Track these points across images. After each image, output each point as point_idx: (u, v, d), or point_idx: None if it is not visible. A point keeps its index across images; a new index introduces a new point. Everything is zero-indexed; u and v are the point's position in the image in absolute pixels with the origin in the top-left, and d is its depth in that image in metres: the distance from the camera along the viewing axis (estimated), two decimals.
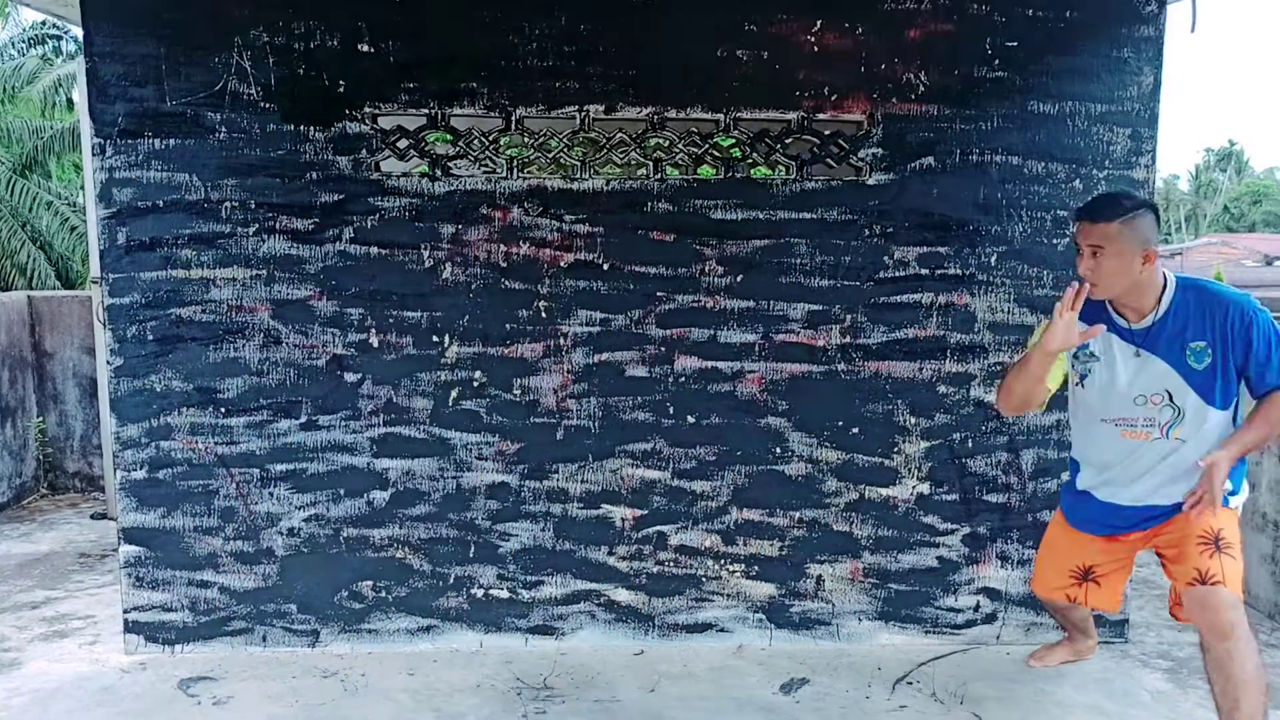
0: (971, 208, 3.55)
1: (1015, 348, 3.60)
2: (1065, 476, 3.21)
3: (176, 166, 3.41)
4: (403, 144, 3.50)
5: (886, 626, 3.70)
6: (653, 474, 3.62)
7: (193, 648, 3.59)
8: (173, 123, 3.39)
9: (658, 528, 3.63)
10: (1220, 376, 2.67)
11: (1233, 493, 2.75)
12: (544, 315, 3.54)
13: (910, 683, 3.40)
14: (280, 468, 3.54)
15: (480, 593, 3.63)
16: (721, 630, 3.69)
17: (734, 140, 3.57)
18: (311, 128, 3.43)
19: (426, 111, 3.46)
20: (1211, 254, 30.17)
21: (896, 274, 3.57)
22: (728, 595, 3.68)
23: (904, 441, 3.63)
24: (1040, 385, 2.79)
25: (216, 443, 3.52)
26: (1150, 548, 2.90)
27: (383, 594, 3.61)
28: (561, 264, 3.53)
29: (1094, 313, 2.73)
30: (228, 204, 3.44)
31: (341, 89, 3.43)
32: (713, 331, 3.57)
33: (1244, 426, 2.69)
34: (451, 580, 3.63)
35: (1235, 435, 2.68)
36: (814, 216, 3.55)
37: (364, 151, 3.46)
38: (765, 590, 3.68)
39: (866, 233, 3.56)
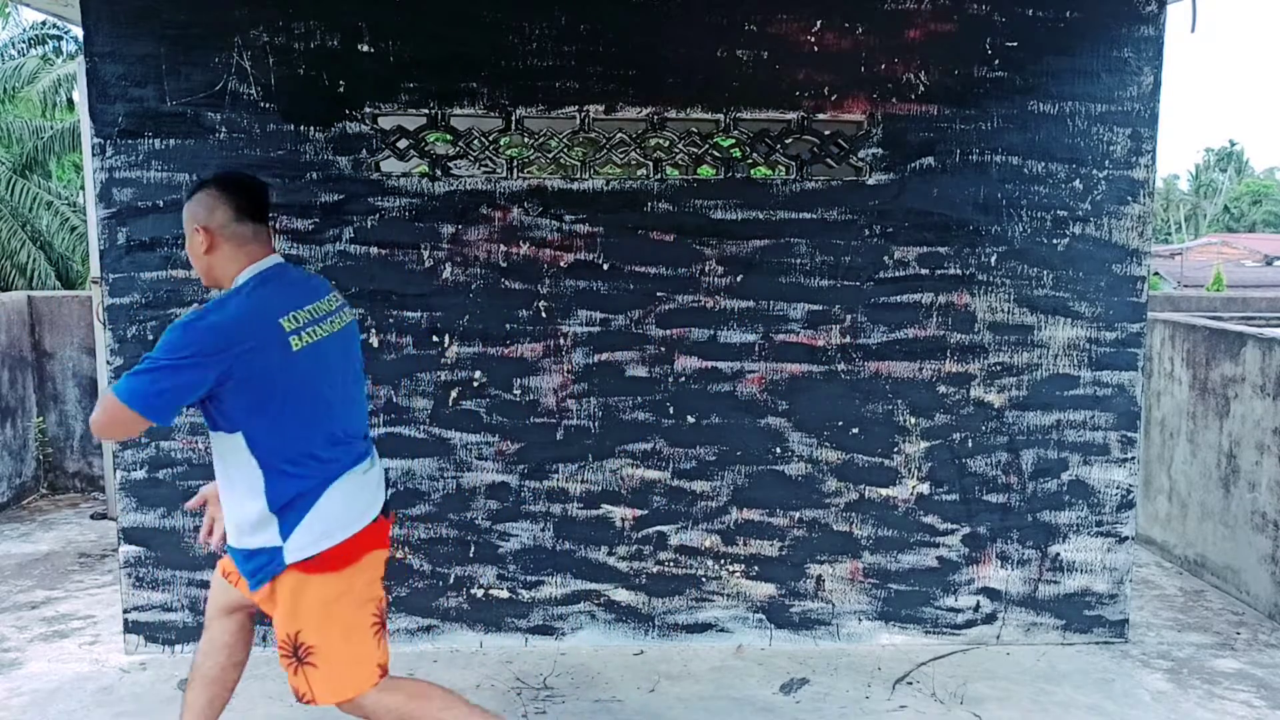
0: (971, 208, 3.55)
1: (1015, 348, 3.60)
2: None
3: (176, 166, 3.41)
4: (403, 144, 3.50)
5: (886, 626, 3.70)
6: (653, 474, 3.62)
7: (193, 648, 3.56)
8: (173, 123, 3.39)
9: (658, 528, 3.63)
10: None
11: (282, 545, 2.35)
12: (544, 315, 3.54)
13: (910, 683, 3.40)
14: None
15: (480, 593, 3.63)
16: (721, 630, 3.69)
17: (734, 140, 3.58)
18: (311, 128, 3.43)
19: (426, 111, 3.46)
20: (1211, 254, 30.16)
21: (896, 274, 3.57)
22: (728, 595, 3.68)
23: (904, 441, 3.63)
24: None
25: None
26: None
27: None
28: (561, 264, 3.53)
29: None
30: None
31: (341, 89, 3.43)
32: (713, 331, 3.57)
33: None
34: (451, 580, 3.63)
35: None
36: (814, 216, 3.55)
37: (364, 151, 3.46)
38: (765, 590, 3.68)
39: (866, 233, 3.56)
